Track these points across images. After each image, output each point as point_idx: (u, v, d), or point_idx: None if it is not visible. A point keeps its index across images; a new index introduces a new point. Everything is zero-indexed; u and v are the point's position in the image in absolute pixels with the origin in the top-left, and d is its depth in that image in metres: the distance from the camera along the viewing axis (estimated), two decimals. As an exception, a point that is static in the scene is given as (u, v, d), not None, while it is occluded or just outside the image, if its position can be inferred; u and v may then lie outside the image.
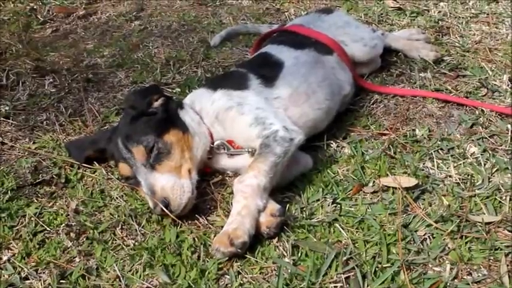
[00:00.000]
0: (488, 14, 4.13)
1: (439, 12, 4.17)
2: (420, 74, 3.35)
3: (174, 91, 3.27)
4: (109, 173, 2.67)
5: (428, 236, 2.23)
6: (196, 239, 2.27)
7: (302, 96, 2.72)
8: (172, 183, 2.32)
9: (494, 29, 3.91)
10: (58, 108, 3.19)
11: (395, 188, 2.46)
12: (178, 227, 2.34)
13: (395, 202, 2.39)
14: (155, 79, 3.42)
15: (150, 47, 3.90)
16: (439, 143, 2.76)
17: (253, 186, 2.30)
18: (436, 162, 2.62)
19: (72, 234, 2.33)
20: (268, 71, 2.78)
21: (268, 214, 2.28)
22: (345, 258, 2.13)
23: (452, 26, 3.94)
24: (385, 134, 2.86)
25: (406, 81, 3.31)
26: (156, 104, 2.53)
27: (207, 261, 2.17)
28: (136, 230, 2.35)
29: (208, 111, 2.60)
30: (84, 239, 2.32)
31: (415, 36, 3.66)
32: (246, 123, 2.52)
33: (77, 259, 2.23)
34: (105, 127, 3.00)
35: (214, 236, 2.25)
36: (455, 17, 4.09)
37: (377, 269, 2.09)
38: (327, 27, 3.20)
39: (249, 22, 4.18)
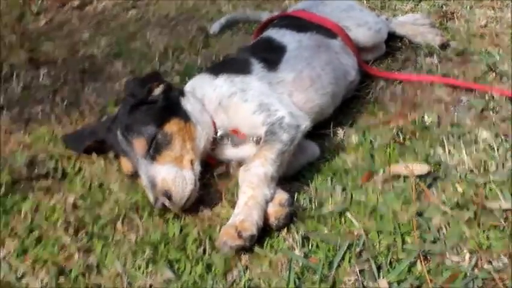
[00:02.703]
0: (492, -1, 4.02)
1: (443, -3, 4.06)
2: (426, 60, 3.25)
3: (174, 80, 3.16)
4: (108, 165, 2.55)
5: (444, 225, 2.12)
6: (201, 232, 2.17)
7: (306, 80, 2.62)
8: (173, 174, 2.22)
9: (500, 14, 3.79)
10: (54, 100, 3.09)
11: (407, 176, 2.35)
12: (182, 220, 2.25)
13: (408, 190, 2.29)
14: (154, 68, 3.31)
15: (148, 36, 3.80)
16: (449, 129, 2.66)
17: (260, 175, 2.20)
18: (448, 148, 2.52)
19: (71, 230, 2.22)
20: (270, 54, 2.68)
21: (277, 204, 2.18)
22: (358, 249, 2.03)
23: (456, 11, 3.83)
24: (392, 121, 2.74)
25: (412, 67, 3.22)
26: (157, 91, 2.42)
27: (213, 256, 2.07)
28: (138, 224, 2.25)
29: (211, 97, 2.50)
30: (83, 235, 2.22)
31: (420, 21, 3.55)
32: (249, 110, 2.42)
33: (76, 256, 2.12)
34: (103, 118, 2.89)
35: (220, 229, 2.14)
36: (459, 2, 3.97)
37: (392, 260, 2.00)
38: (330, 12, 3.10)
39: (249, 10, 4.07)
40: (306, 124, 2.43)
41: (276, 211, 2.16)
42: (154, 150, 2.26)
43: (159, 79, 2.50)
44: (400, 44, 3.44)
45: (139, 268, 2.05)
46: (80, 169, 2.56)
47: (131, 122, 2.32)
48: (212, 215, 2.28)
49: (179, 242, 2.13)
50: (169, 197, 2.18)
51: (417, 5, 4.00)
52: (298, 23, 2.94)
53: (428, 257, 2.00)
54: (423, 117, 2.75)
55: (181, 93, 2.51)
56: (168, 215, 2.27)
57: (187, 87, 2.59)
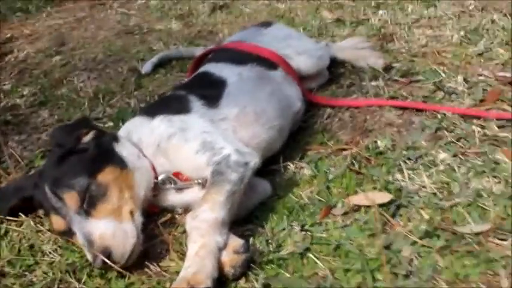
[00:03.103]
0: (429, 18, 3.97)
1: (379, 20, 3.99)
2: (372, 83, 3.12)
3: (107, 126, 2.94)
4: (38, 225, 2.29)
5: (415, 256, 1.95)
6: (149, 290, 1.93)
7: (251, 114, 2.44)
8: (112, 229, 1.98)
9: (438, 32, 3.74)
10: (-27, 156, 2.80)
11: (368, 206, 2.19)
12: (126, 279, 2.00)
13: (371, 222, 2.12)
14: (83, 115, 3.07)
15: (75, 82, 3.56)
16: (405, 152, 2.51)
17: (210, 220, 1.98)
18: (407, 173, 2.36)
19: (-2, 303, 1.95)
20: (210, 90, 2.48)
21: (231, 251, 1.95)
22: (325, 292, 1.83)
23: (395, 32, 3.76)
24: (345, 149, 2.59)
25: (358, 92, 3.08)
26: (86, 138, 2.18)
27: (165, 317, 1.83)
28: (76, 287, 1.98)
29: (148, 141, 2.27)
30: (13, 307, 1.94)
31: (360, 45, 3.46)
32: (192, 150, 2.21)
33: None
34: (30, 173, 2.63)
35: (170, 285, 1.91)
36: (397, 24, 3.91)
37: (364, 301, 1.79)
38: (268, 41, 2.94)
39: (181, 46, 3.89)
40: (254, 161, 2.23)
41: (231, 259, 1.94)
42: (88, 204, 2.02)
43: (88, 125, 2.28)
44: (343, 69, 3.31)
45: None
46: (6, 231, 2.28)
47: (59, 174, 2.07)
48: (160, 269, 2.04)
49: (126, 305, 1.88)
50: (109, 255, 1.94)
51: (354, 29, 3.91)
52: (236, 56, 2.78)
53: (403, 294, 1.80)
54: (376, 142, 2.60)
55: (115, 138, 2.27)
56: (110, 274, 2.02)
57: (122, 132, 2.36)
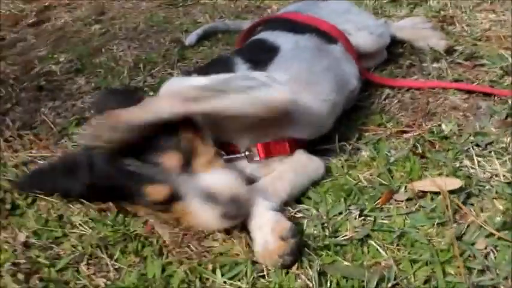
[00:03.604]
0: (491, 2, 3.68)
1: (438, 2, 3.71)
2: (433, 65, 2.87)
3: (146, 95, 2.72)
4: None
5: (492, 250, 1.72)
6: (188, 272, 1.72)
7: (302, 84, 2.17)
8: (227, 177, 1.79)
9: (502, 17, 3.46)
10: (4, 121, 2.61)
11: (435, 193, 1.95)
12: (164, 258, 1.79)
13: (439, 209, 1.88)
14: (123, 83, 2.87)
15: (115, 51, 3.36)
16: (472, 138, 2.27)
17: (176, 90, 1.83)
18: (476, 159, 2.12)
19: (20, 276, 1.73)
20: (260, 55, 2.25)
21: (277, 238, 1.72)
22: (389, 285, 1.61)
23: (456, 15, 3.48)
24: (406, 132, 2.36)
25: (418, 73, 2.83)
26: None
27: (206, 302, 1.61)
28: (107, 264, 1.78)
29: None
30: (37, 281, 1.73)
31: (420, 25, 3.20)
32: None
33: (26, 310, 1.64)
34: (63, 140, 2.44)
35: (213, 267, 1.71)
36: (457, 7, 3.63)
37: (434, 297, 1.55)
38: (327, 15, 2.70)
39: (228, 20, 3.68)
40: (282, 91, 1.97)
41: (278, 247, 1.71)
42: (187, 161, 1.79)
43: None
44: (401, 49, 3.06)
45: (110, 322, 1.58)
46: (33, 200, 2.07)
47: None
48: (202, 249, 1.83)
49: (162, 286, 1.67)
50: (239, 204, 1.74)
51: (412, 10, 3.65)
52: (292, 26, 2.53)
53: (478, 292, 1.57)
54: (440, 126, 2.37)
55: None
56: (146, 252, 1.81)
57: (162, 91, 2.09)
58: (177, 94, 1.79)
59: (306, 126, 2.11)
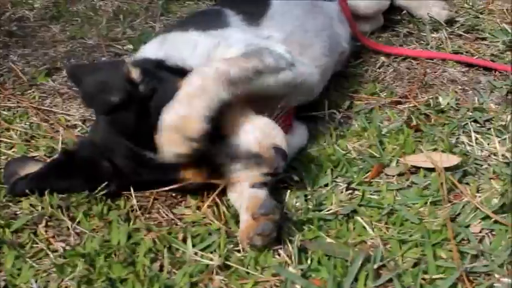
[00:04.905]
0: (495, -25, 3.53)
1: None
2: (432, 35, 2.73)
3: (125, 48, 2.56)
4: (30, 150, 1.91)
5: (487, 234, 1.60)
6: (157, 240, 1.56)
7: (295, 46, 2.01)
8: (264, 122, 1.65)
9: (505, -10, 3.30)
10: (-34, 68, 2.44)
11: (428, 169, 1.82)
12: (131, 223, 1.64)
13: (433, 187, 1.75)
14: (100, 34, 2.68)
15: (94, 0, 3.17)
16: (471, 113, 2.14)
17: (220, 71, 1.59)
18: (474, 136, 2.00)
19: (-29, 235, 1.58)
20: (250, 7, 2.09)
21: (249, 216, 1.55)
22: (375, 266, 1.46)
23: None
24: (400, 103, 2.23)
25: (416, 43, 2.70)
26: (135, 74, 1.65)
27: (174, 273, 1.47)
28: (68, 227, 1.62)
29: (195, 56, 1.81)
30: (-11, 242, 1.57)
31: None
32: (236, 50, 1.79)
33: (-25, 272, 1.48)
34: (31, 90, 2.26)
35: (184, 236, 1.56)
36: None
37: (423, 281, 1.43)
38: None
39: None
40: (306, 71, 1.87)
41: (247, 226, 1.54)
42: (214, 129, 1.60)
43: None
44: (399, 17, 2.89)
45: (66, 291, 1.42)
46: (-6, 151, 1.91)
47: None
48: (173, 217, 1.68)
49: (126, 254, 1.51)
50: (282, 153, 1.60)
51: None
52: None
53: (471, 278, 1.45)
54: (437, 98, 2.24)
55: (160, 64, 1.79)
56: (111, 216, 1.65)
57: (153, 53, 1.85)
58: (221, 74, 1.60)
59: (299, 95, 1.95)
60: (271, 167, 1.59)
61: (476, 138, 1.99)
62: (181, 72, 1.69)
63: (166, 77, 1.69)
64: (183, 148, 1.50)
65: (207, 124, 1.50)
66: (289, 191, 1.74)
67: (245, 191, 1.61)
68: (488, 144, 1.97)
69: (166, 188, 1.68)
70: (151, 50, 1.87)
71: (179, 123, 1.49)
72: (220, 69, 1.59)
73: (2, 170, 1.80)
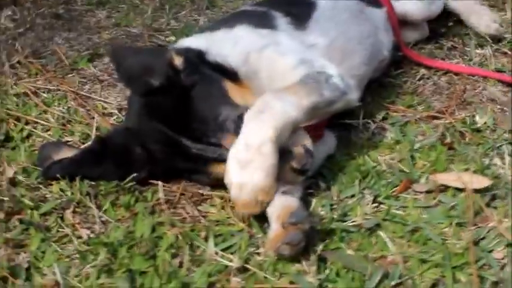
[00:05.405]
0: (549, -7, 3.45)
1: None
2: (477, 50, 2.68)
3: (167, 40, 2.58)
4: (65, 135, 1.94)
5: (510, 261, 1.55)
6: (179, 236, 1.58)
7: (337, 53, 2.02)
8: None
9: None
10: (13, 46, 2.48)
11: (457, 189, 1.79)
12: (156, 216, 1.66)
13: (461, 208, 1.72)
14: (144, 23, 2.71)
15: (142, -13, 3.21)
16: (507, 135, 2.09)
17: (289, 115, 1.61)
18: (508, 159, 1.95)
19: (1, 214, 1.62)
20: (296, 8, 2.09)
21: (279, 224, 1.54)
22: (393, 283, 1.45)
23: (508, 1, 3.25)
24: (437, 118, 2.19)
25: (459, 57, 2.65)
26: (178, 62, 1.69)
27: (193, 271, 1.49)
28: (94, 215, 1.65)
29: (233, 54, 1.82)
30: (17, 222, 1.62)
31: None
32: (289, 65, 1.80)
33: (1, 251, 1.52)
34: (71, 75, 2.30)
35: (206, 234, 1.58)
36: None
37: (439, 303, 1.41)
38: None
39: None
40: (353, 97, 1.86)
41: (276, 235, 1.54)
42: None
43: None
44: (444, 29, 2.85)
45: (86, 279, 1.45)
46: (29, 134, 1.95)
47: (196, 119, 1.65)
48: (198, 213, 1.70)
49: (148, 247, 1.54)
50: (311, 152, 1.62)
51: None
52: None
53: (488, 305, 1.42)
54: (474, 117, 2.20)
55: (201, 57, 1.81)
56: (138, 207, 1.68)
57: (198, 45, 1.87)
58: (290, 121, 1.62)
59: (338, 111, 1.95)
60: (300, 163, 1.59)
61: (510, 162, 1.95)
62: (221, 70, 1.72)
63: (208, 73, 1.71)
64: (257, 210, 1.55)
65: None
66: (315, 199, 1.74)
67: (277, 199, 1.61)
68: (521, 168, 1.93)
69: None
70: (193, 42, 1.89)
71: (253, 189, 1.53)
72: (289, 113, 1.60)
73: (37, 152, 1.85)
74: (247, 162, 1.53)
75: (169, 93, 1.61)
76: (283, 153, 1.59)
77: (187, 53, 1.73)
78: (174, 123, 1.63)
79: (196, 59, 1.74)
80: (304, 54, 1.86)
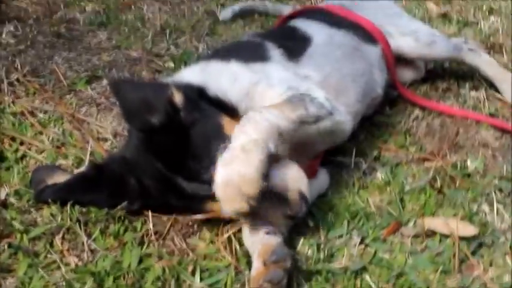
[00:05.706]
0: (547, 38, 3.48)
1: (489, 27, 3.51)
2: (471, 93, 2.69)
3: (166, 65, 2.61)
4: (59, 157, 1.95)
5: (493, 313, 1.58)
6: (166, 269, 1.59)
7: (331, 90, 2.02)
8: (290, 170, 1.66)
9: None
10: (13, 62, 2.48)
11: (446, 236, 1.81)
12: (145, 247, 1.67)
13: (447, 255, 1.74)
14: (144, 47, 2.73)
15: (144, 10, 3.22)
16: (497, 182, 2.10)
17: (273, 124, 1.62)
18: (496, 206, 1.96)
19: (-11, 237, 1.63)
20: (291, 42, 2.12)
21: (260, 262, 1.55)
22: (375, 330, 1.46)
23: (505, 44, 3.28)
24: (428, 160, 2.20)
25: (454, 99, 2.65)
26: (178, 99, 1.68)
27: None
28: (83, 243, 1.66)
29: (233, 89, 1.84)
30: (5, 246, 1.62)
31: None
32: (277, 93, 1.81)
33: (-12, 275, 1.53)
34: (69, 96, 2.31)
35: (193, 269, 1.58)
36: (508, 35, 3.43)
37: None
38: (373, 14, 2.51)
39: (269, 1, 3.49)
40: (343, 119, 1.89)
41: (258, 273, 1.54)
42: None
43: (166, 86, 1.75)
44: (441, 71, 2.87)
45: (71, 307, 1.46)
46: (23, 155, 1.96)
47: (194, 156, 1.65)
48: (186, 247, 1.71)
49: (135, 279, 1.55)
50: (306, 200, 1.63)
51: (461, 30, 3.44)
52: (331, 19, 2.38)
53: None
54: (465, 161, 2.21)
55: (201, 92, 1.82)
56: (126, 237, 1.68)
57: (190, 78, 1.89)
58: (273, 127, 1.63)
59: (331, 141, 1.99)
60: (294, 211, 1.61)
61: (498, 209, 1.96)
62: (221, 105, 1.73)
63: (208, 110, 1.72)
64: (243, 206, 1.52)
65: (263, 182, 1.53)
66: (303, 238, 1.75)
67: (259, 237, 1.62)
68: (509, 216, 1.93)
69: (199, 216, 1.71)
70: (191, 76, 1.89)
71: (238, 181, 1.51)
72: (272, 122, 1.62)
73: (30, 175, 1.85)
74: (231, 160, 1.54)
75: (168, 131, 1.62)
76: (278, 198, 1.60)
77: (186, 89, 1.74)
78: (171, 161, 1.63)
79: (196, 95, 1.75)
80: (292, 82, 1.88)
